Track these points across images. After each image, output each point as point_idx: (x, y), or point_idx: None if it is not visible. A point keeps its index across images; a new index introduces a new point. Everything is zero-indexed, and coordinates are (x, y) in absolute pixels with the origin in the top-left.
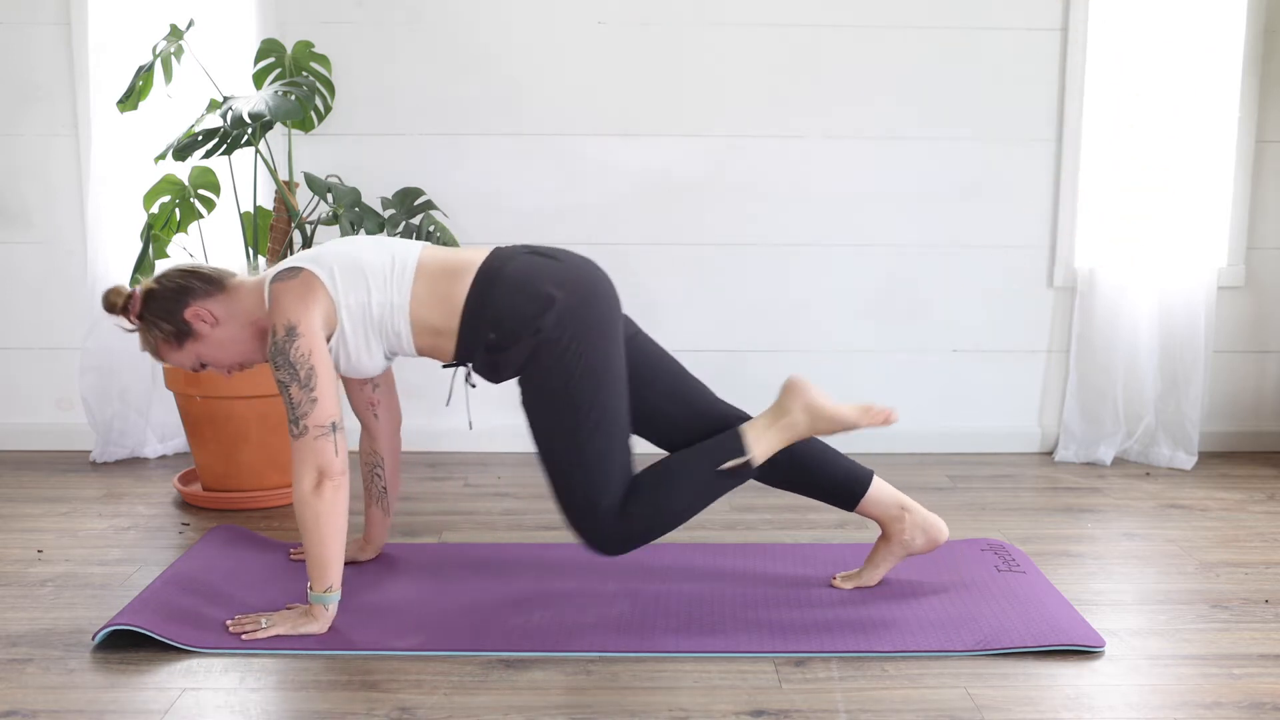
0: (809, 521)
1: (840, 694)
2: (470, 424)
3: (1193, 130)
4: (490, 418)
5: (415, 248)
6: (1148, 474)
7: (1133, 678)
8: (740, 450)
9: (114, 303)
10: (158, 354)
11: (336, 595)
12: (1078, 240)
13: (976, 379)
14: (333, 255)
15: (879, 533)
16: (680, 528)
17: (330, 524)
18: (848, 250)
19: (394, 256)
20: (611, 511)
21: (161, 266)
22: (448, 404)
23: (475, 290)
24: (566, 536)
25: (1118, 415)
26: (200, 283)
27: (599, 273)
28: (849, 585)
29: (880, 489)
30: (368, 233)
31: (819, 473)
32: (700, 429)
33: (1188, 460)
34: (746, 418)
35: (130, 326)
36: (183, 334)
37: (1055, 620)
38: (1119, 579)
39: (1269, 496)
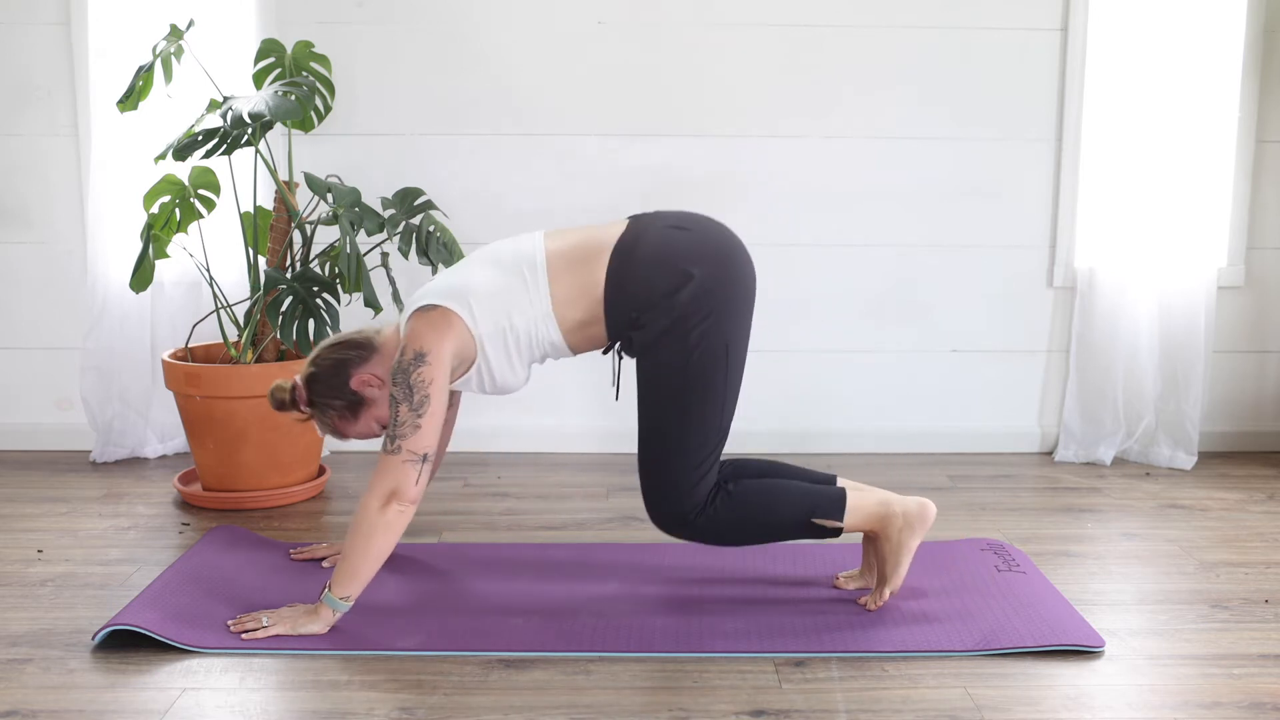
0: None
1: (840, 694)
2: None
3: (1193, 130)
4: (489, 418)
5: (538, 246)
6: (1148, 474)
7: (1133, 678)
8: (840, 514)
9: (282, 400)
10: (338, 432)
11: (348, 606)
12: (1078, 240)
13: (976, 379)
14: (467, 288)
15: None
16: None
17: (380, 542)
18: (848, 250)
19: (522, 266)
20: (694, 499)
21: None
22: (616, 398)
23: (612, 271)
24: (566, 536)
25: (1118, 415)
26: (354, 350)
27: (735, 244)
28: (853, 585)
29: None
30: (368, 233)
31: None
32: None
33: (1188, 460)
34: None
35: (303, 416)
36: (355, 405)
37: (1055, 620)
38: (1119, 579)
39: (1269, 496)
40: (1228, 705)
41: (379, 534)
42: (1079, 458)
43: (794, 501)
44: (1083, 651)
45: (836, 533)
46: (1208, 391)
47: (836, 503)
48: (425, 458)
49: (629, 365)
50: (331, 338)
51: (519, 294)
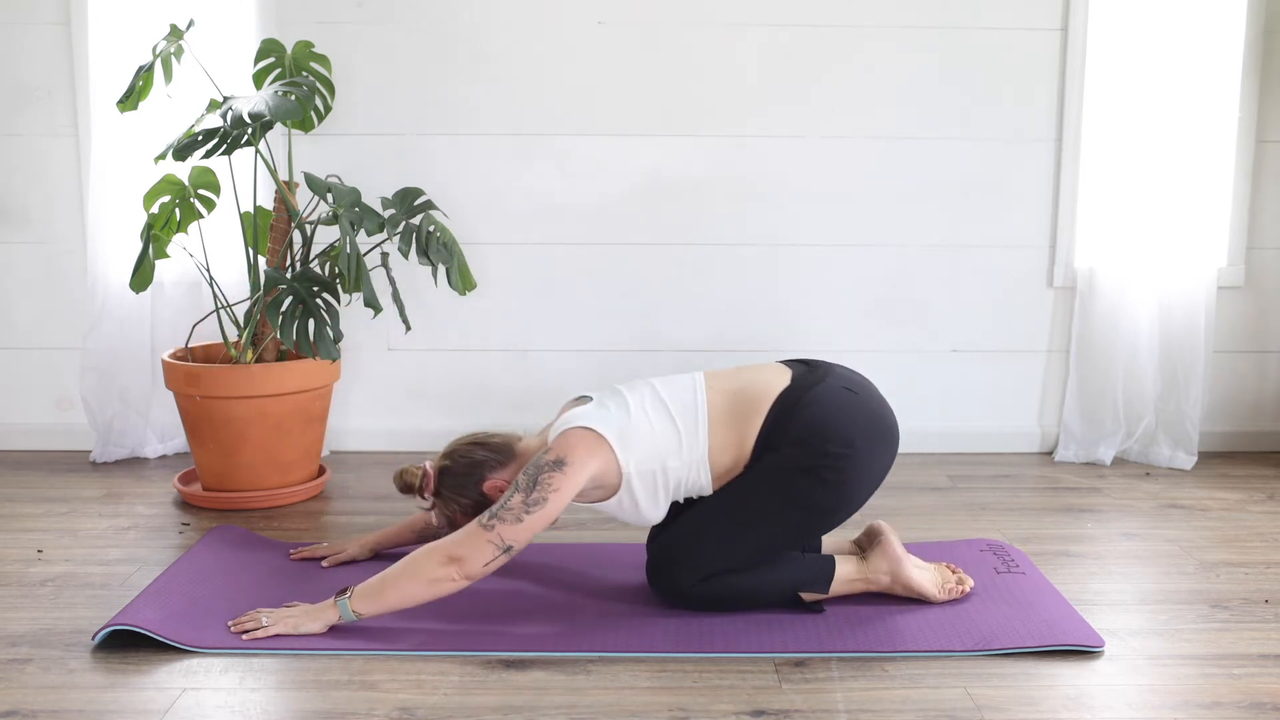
0: None
1: (840, 694)
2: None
3: (1193, 130)
4: (489, 416)
5: (699, 392)
6: (1148, 474)
7: (1133, 678)
8: (826, 588)
9: (410, 484)
10: (455, 524)
11: (355, 619)
12: (1078, 240)
13: (976, 379)
14: (628, 427)
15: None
16: None
17: (418, 590)
18: (848, 250)
19: (686, 415)
20: (696, 573)
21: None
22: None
23: (769, 424)
24: (566, 536)
25: (1118, 415)
26: (491, 454)
27: (893, 424)
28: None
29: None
30: (368, 233)
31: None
32: None
33: (1188, 460)
34: None
35: (425, 504)
36: (481, 506)
37: (1055, 620)
38: (1119, 579)
39: (1269, 496)
40: (1228, 705)
41: (421, 582)
42: (1079, 458)
43: (783, 571)
44: (1083, 651)
45: (820, 609)
46: (1208, 391)
47: (824, 574)
48: (509, 550)
49: None
50: (471, 434)
51: (674, 442)
